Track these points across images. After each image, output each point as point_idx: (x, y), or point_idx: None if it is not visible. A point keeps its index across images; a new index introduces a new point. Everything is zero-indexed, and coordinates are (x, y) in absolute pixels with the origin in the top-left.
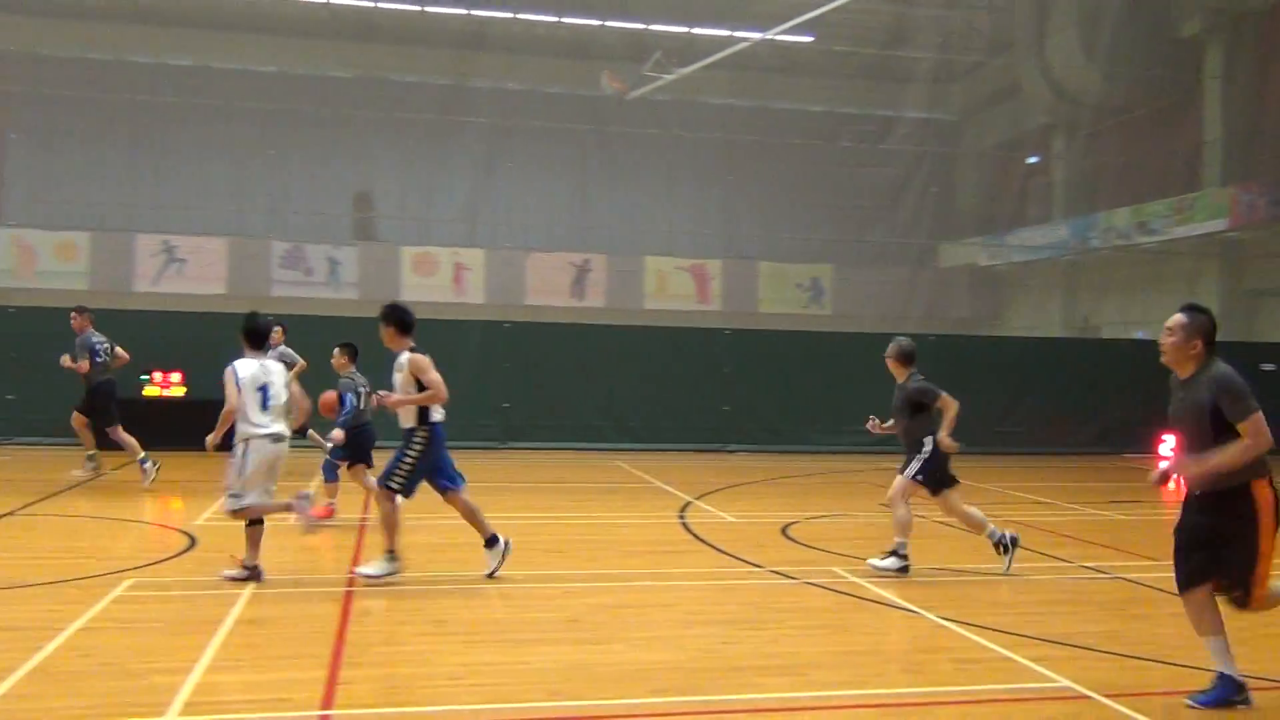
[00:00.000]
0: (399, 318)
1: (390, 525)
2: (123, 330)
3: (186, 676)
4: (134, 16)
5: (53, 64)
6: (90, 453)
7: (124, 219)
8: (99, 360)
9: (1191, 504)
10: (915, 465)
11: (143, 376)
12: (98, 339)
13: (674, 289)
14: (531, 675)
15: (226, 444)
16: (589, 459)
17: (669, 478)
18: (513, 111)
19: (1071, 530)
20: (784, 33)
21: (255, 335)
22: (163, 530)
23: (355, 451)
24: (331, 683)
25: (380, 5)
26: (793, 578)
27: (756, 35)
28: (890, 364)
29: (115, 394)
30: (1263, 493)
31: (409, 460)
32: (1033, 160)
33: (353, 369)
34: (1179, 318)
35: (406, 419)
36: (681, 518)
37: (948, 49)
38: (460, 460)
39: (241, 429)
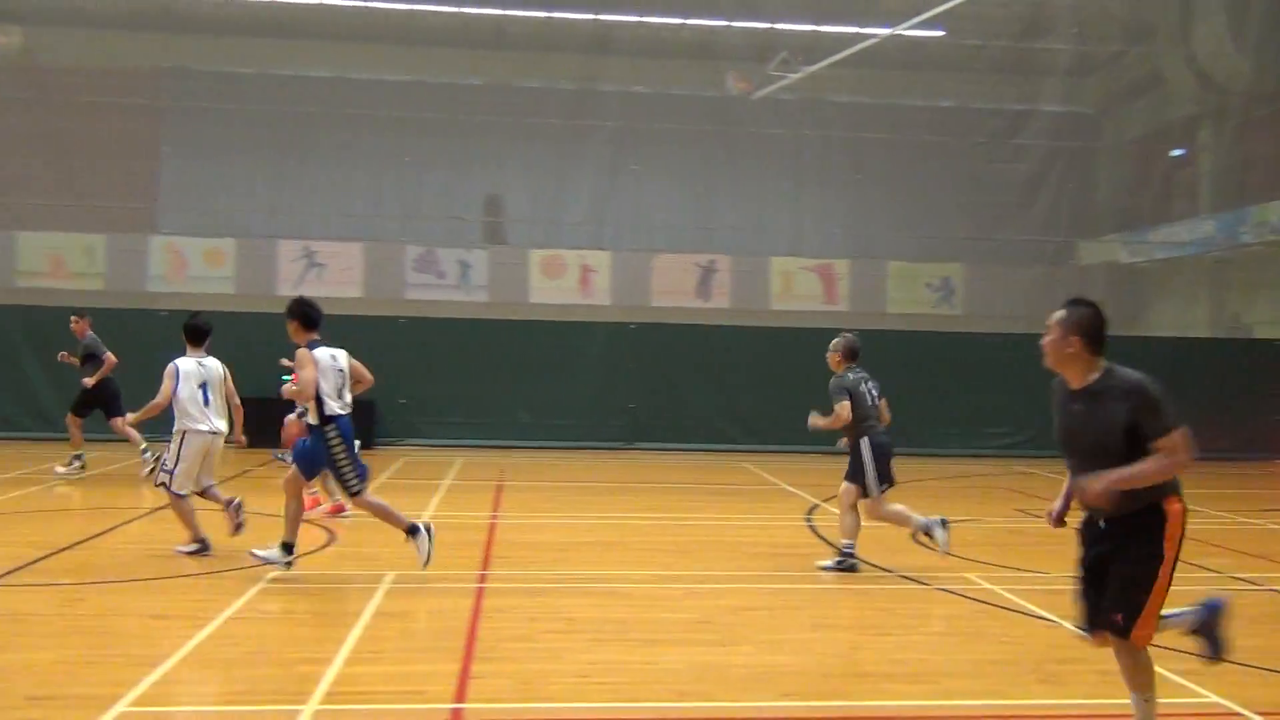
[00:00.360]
0: (302, 312)
1: (384, 513)
2: (266, 332)
3: (328, 666)
4: (277, 31)
5: (203, 79)
6: (78, 452)
7: (267, 226)
8: (102, 360)
9: (1093, 533)
10: (869, 478)
11: (284, 377)
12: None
13: (800, 289)
14: (659, 675)
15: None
16: (714, 460)
17: (795, 480)
18: (639, 114)
19: (1221, 539)
20: (913, 28)
21: (196, 333)
22: (304, 525)
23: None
24: (464, 676)
25: (510, 13)
26: (924, 583)
27: (885, 31)
28: (830, 359)
29: (117, 391)
30: (1173, 508)
31: (339, 458)
32: (1177, 153)
33: None
34: (1057, 313)
35: (311, 417)
36: (808, 520)
37: (1084, 40)
38: (586, 460)
39: (180, 422)
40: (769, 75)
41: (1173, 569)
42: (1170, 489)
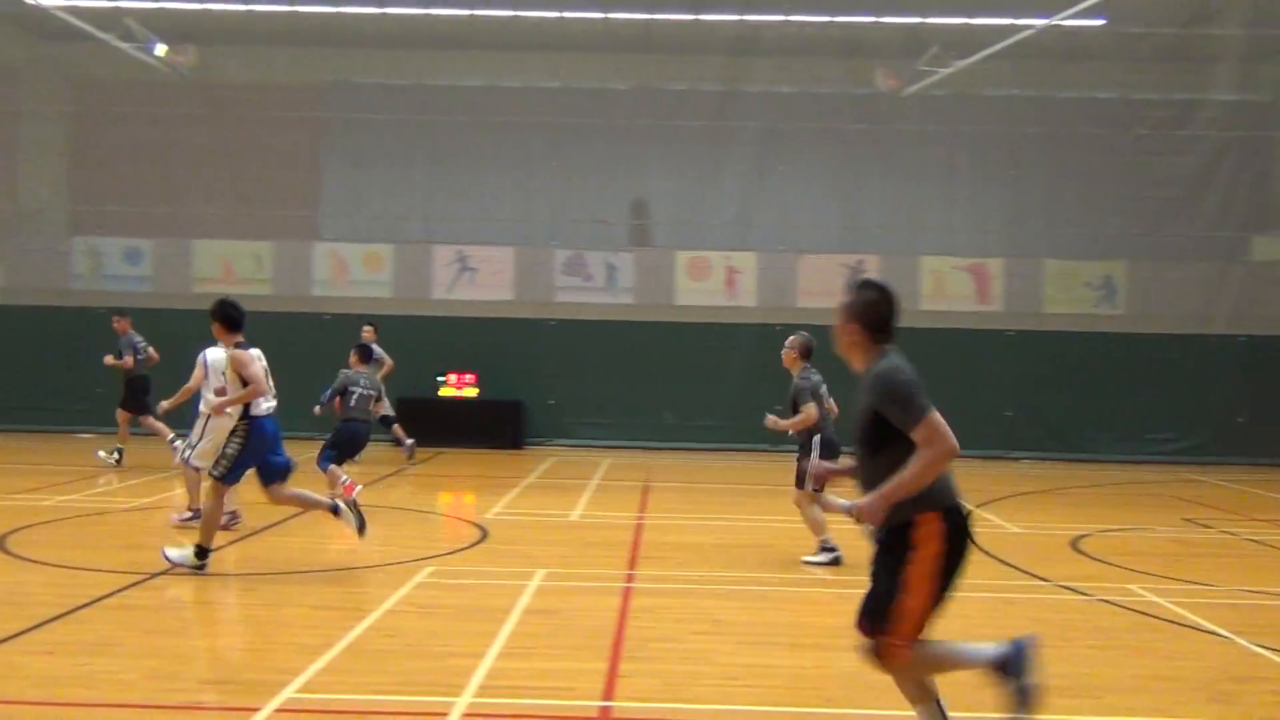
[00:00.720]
0: (225, 313)
1: (211, 521)
2: (421, 334)
3: (480, 661)
4: (431, 43)
5: (362, 91)
6: (120, 446)
7: (422, 231)
8: (139, 358)
9: (878, 544)
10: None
11: (439, 378)
12: (138, 339)
13: (952, 289)
14: (808, 680)
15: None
16: None
17: None
18: (784, 114)
19: None
20: (1072, 17)
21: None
22: (457, 523)
23: (342, 446)
24: (612, 675)
25: (655, 16)
26: (1085, 594)
27: (1042, 22)
28: (786, 356)
29: (149, 388)
30: (929, 527)
31: (231, 451)
32: None
33: (364, 369)
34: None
35: (233, 412)
36: None
37: (1259, 24)
38: (732, 462)
39: (203, 408)
40: (919, 71)
41: (934, 587)
42: (929, 504)
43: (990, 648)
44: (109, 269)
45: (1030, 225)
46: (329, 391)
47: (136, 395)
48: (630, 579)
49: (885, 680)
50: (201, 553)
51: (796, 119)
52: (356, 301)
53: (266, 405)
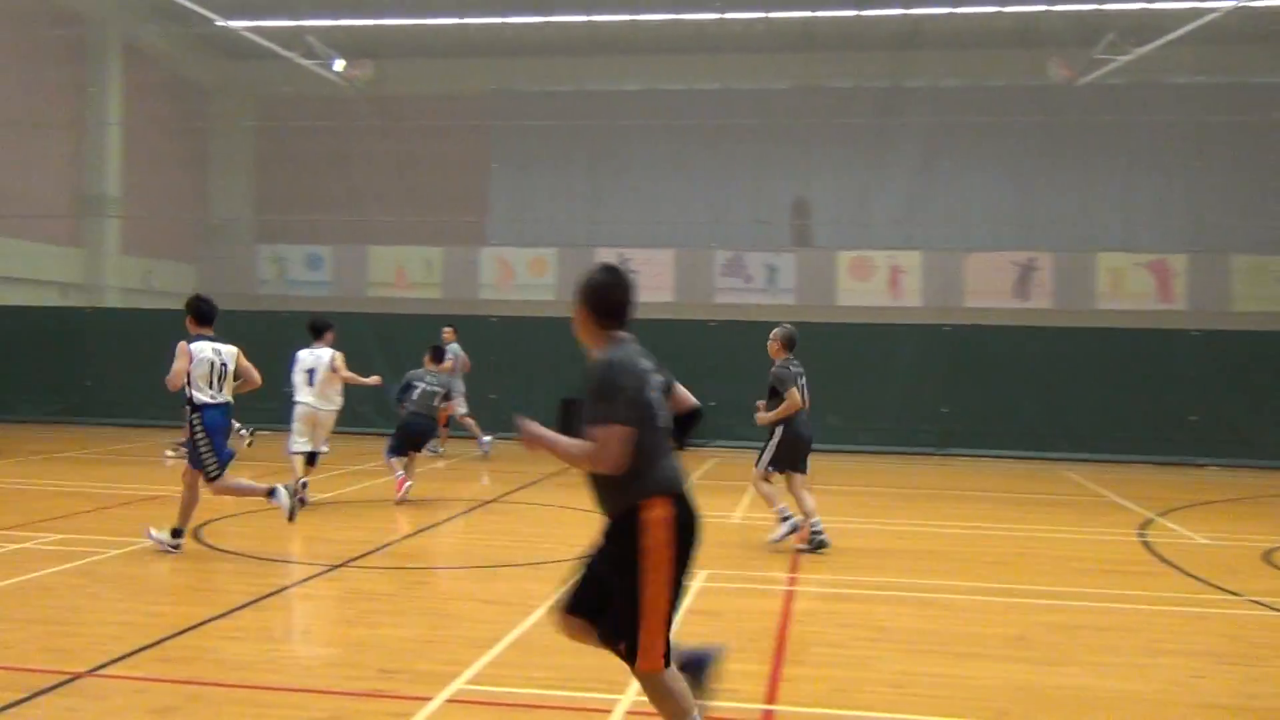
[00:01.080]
0: (195, 307)
1: (241, 491)
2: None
3: None
4: (592, 48)
5: (525, 99)
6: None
7: (586, 235)
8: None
9: (604, 533)
10: (766, 455)
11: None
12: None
13: (1131, 287)
14: (976, 691)
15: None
16: (1034, 468)
17: (1126, 492)
18: (951, 109)
19: None
20: None
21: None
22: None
23: (406, 440)
24: (775, 678)
25: (817, 14)
26: (1278, 610)
27: (1228, 4)
28: (770, 347)
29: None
30: (652, 514)
31: (204, 450)
32: None
33: (434, 368)
34: None
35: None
36: (1142, 536)
37: None
38: (898, 465)
39: (196, 399)
40: (1095, 59)
41: (670, 584)
42: (654, 488)
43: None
44: (292, 275)
45: (1216, 219)
46: (395, 389)
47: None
48: (792, 582)
49: (1062, 695)
50: (177, 533)
51: (964, 113)
52: (522, 305)
53: (207, 396)
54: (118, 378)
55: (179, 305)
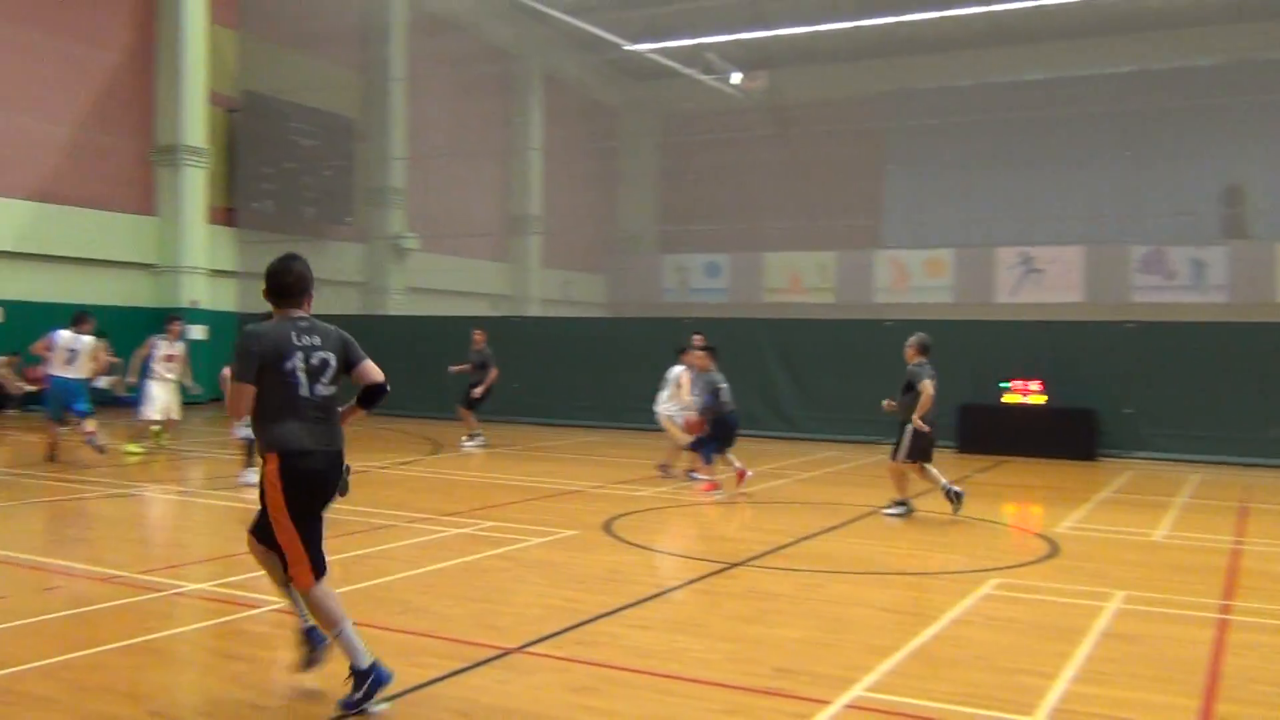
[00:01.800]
0: (76, 317)
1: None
2: (983, 339)
3: (1052, 681)
4: (992, 39)
5: (921, 97)
6: (474, 431)
7: (985, 234)
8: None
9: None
10: (904, 449)
11: (1002, 384)
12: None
13: None
14: None
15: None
16: None
17: None
18: None
19: None
20: None
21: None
22: (1022, 534)
23: (723, 437)
24: (1206, 714)
25: None
26: None
27: None
28: (907, 352)
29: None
30: (267, 467)
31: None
32: None
33: (713, 367)
34: None
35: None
36: None
37: None
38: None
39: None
40: None
41: (292, 519)
42: (271, 446)
43: (361, 652)
44: (693, 283)
45: None
46: (706, 398)
47: (480, 396)
48: (1226, 609)
49: None
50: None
51: None
52: (917, 308)
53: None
54: (541, 381)
55: (594, 314)
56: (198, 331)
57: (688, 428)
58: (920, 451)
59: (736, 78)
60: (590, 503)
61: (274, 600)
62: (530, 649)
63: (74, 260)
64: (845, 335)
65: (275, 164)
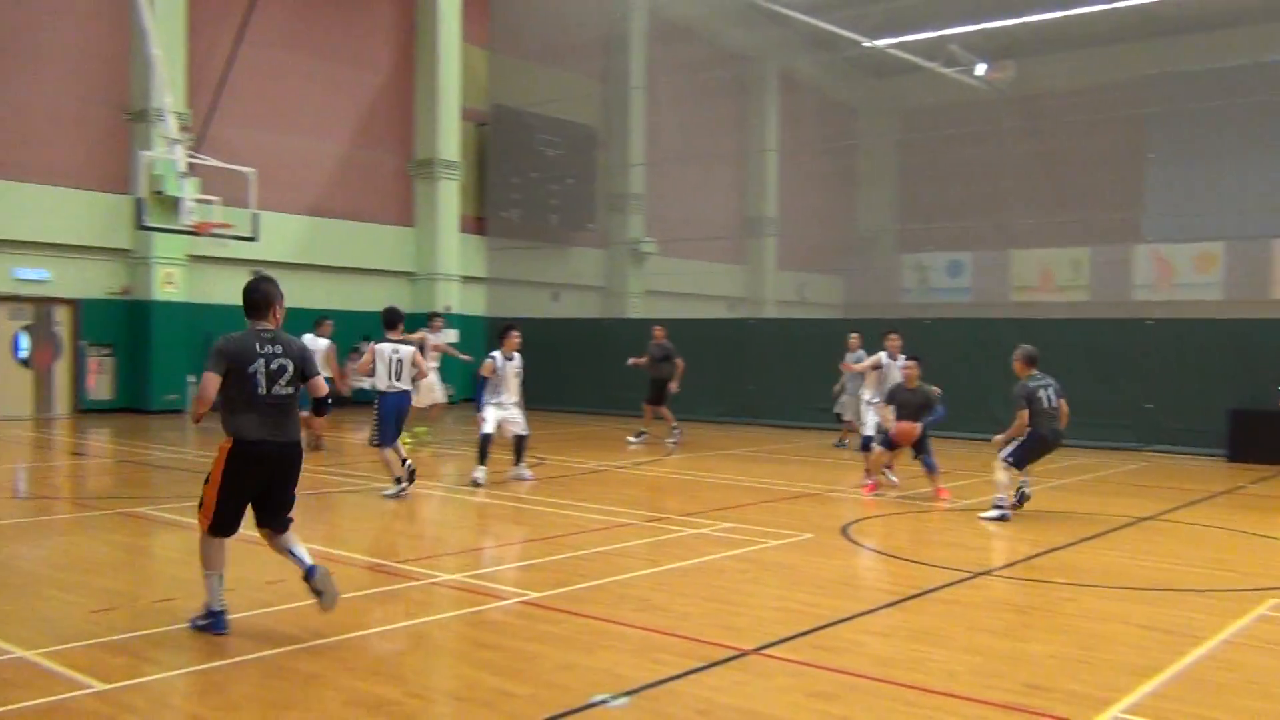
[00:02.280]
0: (385, 317)
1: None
2: (1258, 339)
3: None
4: (1264, 14)
5: (1187, 80)
6: (642, 430)
7: (1261, 225)
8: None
9: None
10: (1010, 449)
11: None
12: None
13: None
14: None
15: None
16: None
17: None
18: None
19: None
20: None
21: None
22: None
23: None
24: None
25: None
26: None
27: None
28: (1015, 367)
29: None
30: (222, 445)
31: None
32: None
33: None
34: None
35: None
36: None
37: None
38: None
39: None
40: None
41: (221, 484)
42: (229, 431)
43: (218, 598)
44: (933, 282)
45: None
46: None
47: (660, 390)
48: None
49: None
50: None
51: None
52: (1181, 305)
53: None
54: (777, 383)
55: (830, 315)
56: (451, 335)
57: (899, 435)
58: (1026, 458)
59: (981, 69)
60: (826, 505)
61: (521, 592)
62: (767, 651)
63: (342, 270)
64: (1101, 335)
65: (522, 174)
